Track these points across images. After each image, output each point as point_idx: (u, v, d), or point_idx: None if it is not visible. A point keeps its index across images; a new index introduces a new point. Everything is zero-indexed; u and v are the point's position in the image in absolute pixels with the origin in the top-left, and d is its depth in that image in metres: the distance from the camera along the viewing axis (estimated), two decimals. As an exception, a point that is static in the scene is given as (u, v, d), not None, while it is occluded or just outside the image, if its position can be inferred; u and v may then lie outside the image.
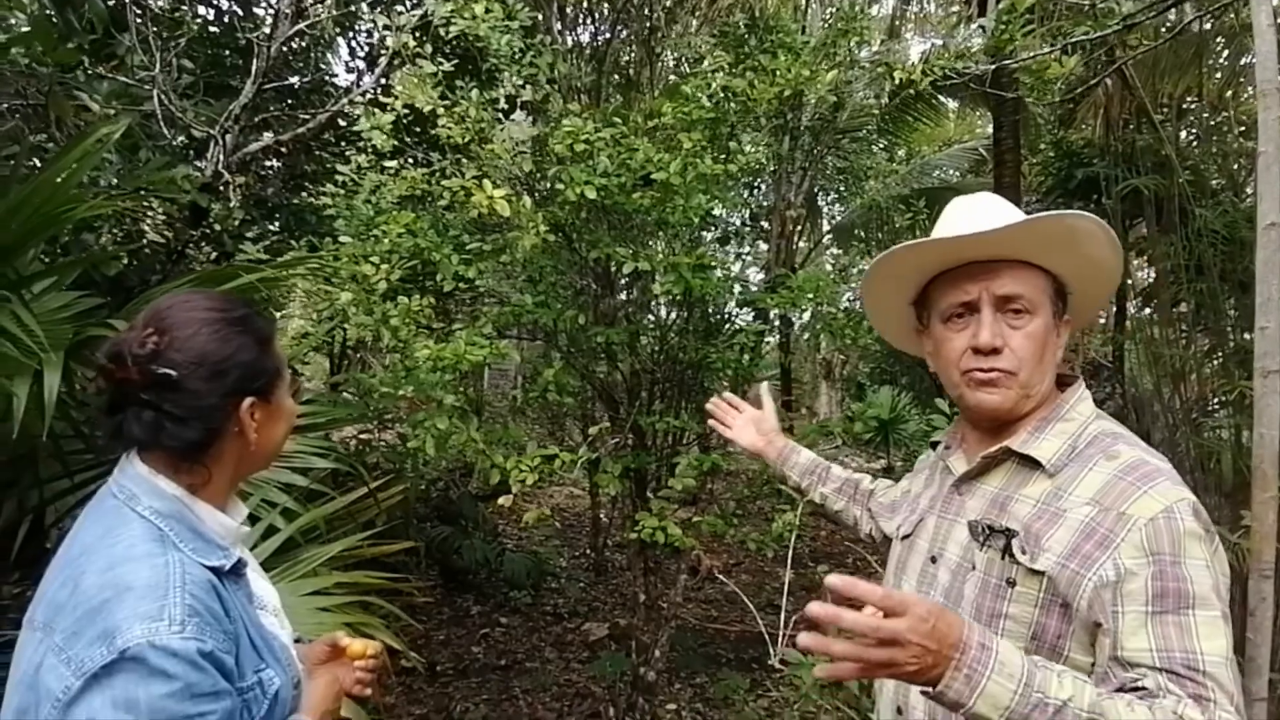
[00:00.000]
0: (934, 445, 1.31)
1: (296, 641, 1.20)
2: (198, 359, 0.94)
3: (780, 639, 2.26)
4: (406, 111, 2.73)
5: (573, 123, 2.49)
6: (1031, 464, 1.05)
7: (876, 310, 1.29)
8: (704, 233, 3.35)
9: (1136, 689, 0.90)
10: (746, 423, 1.64)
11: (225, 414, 0.96)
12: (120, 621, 0.82)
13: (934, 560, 1.13)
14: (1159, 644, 0.90)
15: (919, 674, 0.81)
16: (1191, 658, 0.88)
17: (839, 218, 8.80)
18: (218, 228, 3.36)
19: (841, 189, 8.55)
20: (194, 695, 0.84)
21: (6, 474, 2.08)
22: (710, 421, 1.67)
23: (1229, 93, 5.31)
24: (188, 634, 0.84)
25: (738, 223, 3.63)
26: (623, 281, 3.30)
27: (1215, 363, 3.75)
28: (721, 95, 2.67)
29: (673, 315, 3.40)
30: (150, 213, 3.44)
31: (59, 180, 2.01)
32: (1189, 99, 5.28)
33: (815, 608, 0.80)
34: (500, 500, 2.57)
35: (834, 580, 0.81)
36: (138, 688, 0.81)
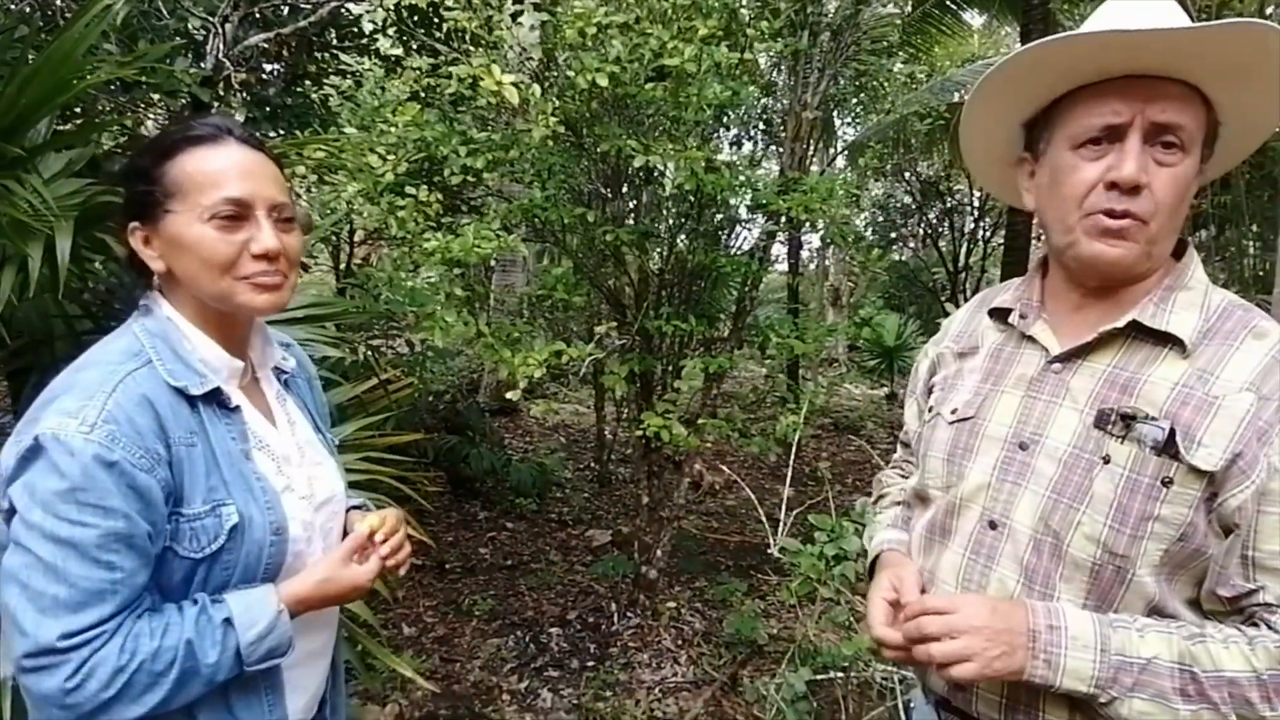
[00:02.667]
0: (994, 313, 1.09)
1: (355, 508, 1.20)
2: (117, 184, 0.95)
3: (781, 529, 2.31)
4: (409, 5, 2.65)
5: (584, 5, 2.39)
6: (1157, 339, 0.91)
7: (976, 129, 1.07)
8: (717, 133, 3.27)
9: (1253, 606, 0.85)
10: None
11: (125, 242, 0.96)
12: (50, 413, 0.85)
13: (1023, 447, 0.96)
14: None
15: (1008, 662, 0.84)
16: None
17: (853, 137, 8.58)
18: (219, 124, 3.30)
19: (859, 108, 8.32)
20: (79, 502, 0.82)
21: (26, 358, 2.11)
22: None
23: (1270, 8, 5.09)
24: (93, 437, 0.82)
25: (753, 116, 3.54)
26: (631, 184, 3.24)
27: (1233, 291, 3.71)
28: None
29: (682, 219, 3.35)
30: (151, 110, 3.37)
31: (69, 46, 1.98)
32: (1228, 12, 5.06)
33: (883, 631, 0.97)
34: (509, 395, 2.59)
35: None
36: (37, 477, 0.83)
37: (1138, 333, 0.92)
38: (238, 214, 0.93)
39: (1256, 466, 0.83)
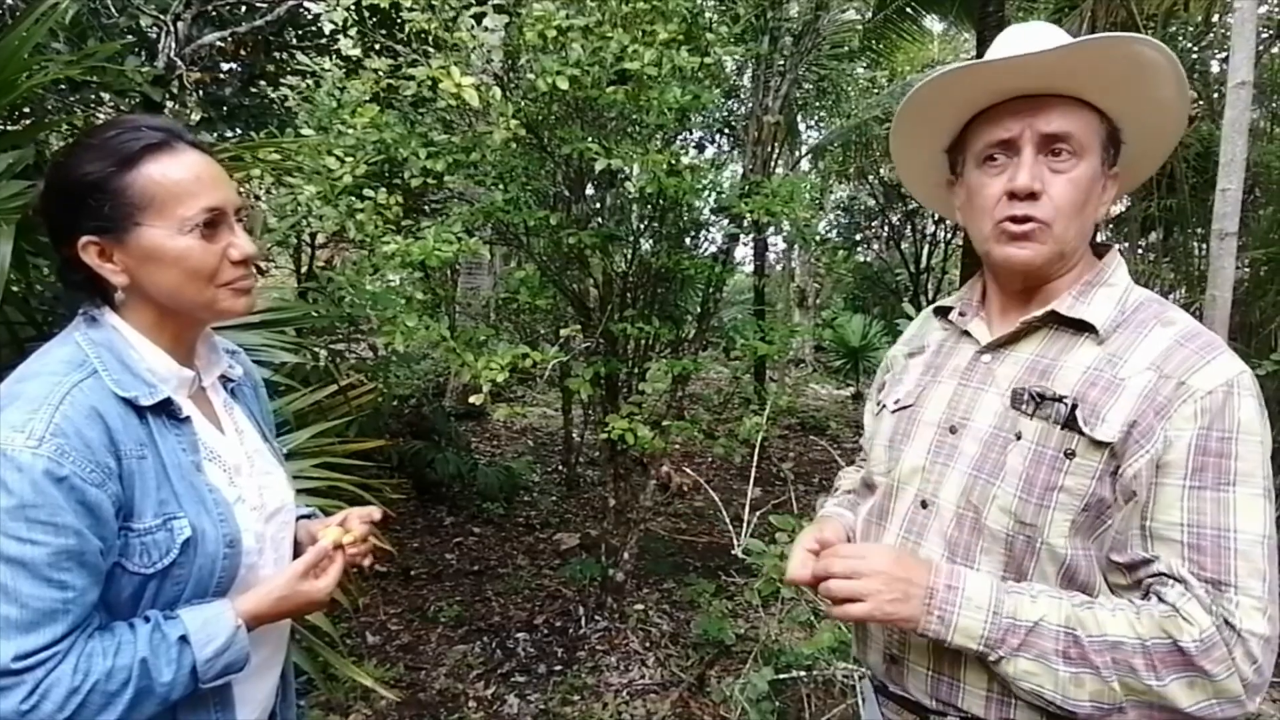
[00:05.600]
0: (939, 312, 1.19)
1: (304, 517, 1.18)
2: (43, 192, 0.90)
3: (745, 528, 2.33)
4: (370, 5, 2.61)
5: (544, 8, 2.39)
6: (1075, 329, 0.98)
7: (906, 159, 1.18)
8: (679, 136, 3.28)
9: (1147, 577, 0.89)
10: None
11: (65, 256, 0.92)
12: None
13: (953, 431, 1.02)
14: (1190, 518, 0.87)
15: (900, 608, 0.91)
16: (1224, 536, 0.85)
17: (816, 141, 8.68)
18: (172, 124, 3.22)
19: (821, 112, 8.43)
20: (29, 519, 0.79)
21: (-39, 363, 2.03)
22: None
23: (1215, 16, 5.26)
24: (41, 451, 0.80)
25: (716, 120, 3.56)
26: (595, 186, 3.24)
27: (1181, 292, 3.83)
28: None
29: (646, 221, 3.36)
30: (100, 109, 3.28)
31: (15, 44, 1.92)
32: (1174, 21, 5.22)
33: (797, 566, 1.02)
34: (474, 399, 2.57)
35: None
36: None
37: (1058, 323, 0.99)
38: (215, 221, 0.93)
39: (1152, 437, 0.88)
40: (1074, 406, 0.92)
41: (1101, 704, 0.87)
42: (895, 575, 0.92)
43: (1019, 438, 0.96)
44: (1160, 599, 0.87)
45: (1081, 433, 0.91)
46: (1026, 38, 0.98)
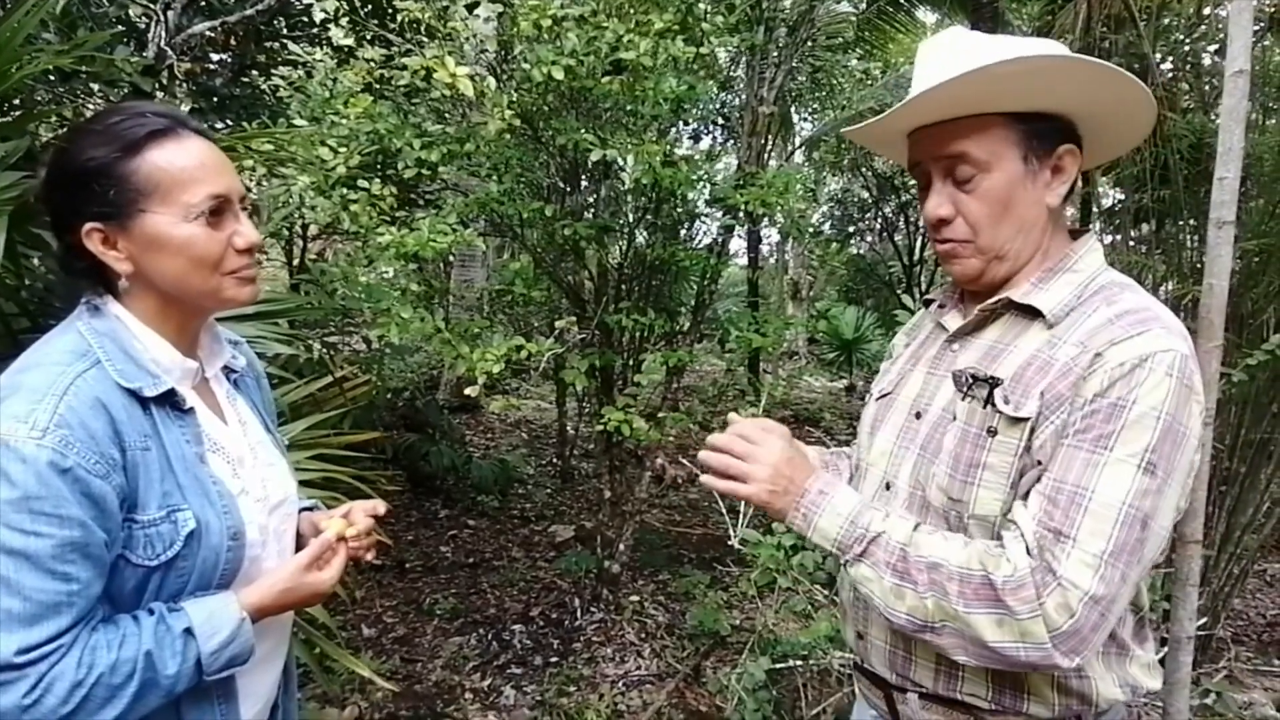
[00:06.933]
0: (928, 304, 1.23)
1: (306, 509, 1.18)
2: (45, 179, 0.89)
3: (741, 520, 2.34)
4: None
5: (539, -2, 2.37)
6: (1031, 314, 0.99)
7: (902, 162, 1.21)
8: (674, 127, 3.27)
9: (1008, 521, 0.92)
10: None
11: (68, 244, 0.91)
12: None
13: (918, 416, 1.06)
14: (1058, 472, 0.88)
15: (775, 499, 1.00)
16: (1080, 492, 0.86)
17: (810, 133, 8.67)
18: (162, 114, 3.20)
19: (815, 104, 8.42)
20: (33, 511, 0.78)
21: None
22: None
23: (1206, 9, 5.26)
24: (45, 442, 0.79)
25: (711, 111, 3.55)
26: (590, 178, 3.23)
27: (1172, 283, 3.83)
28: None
29: (641, 213, 3.35)
30: (90, 100, 3.25)
31: (7, 35, 1.90)
32: (1167, 13, 5.22)
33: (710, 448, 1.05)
34: (468, 391, 2.56)
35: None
36: None
37: (1016, 310, 1.02)
38: (220, 209, 0.92)
39: (1060, 407, 0.91)
40: (994, 385, 0.96)
41: (915, 619, 0.92)
42: (781, 470, 1.00)
43: (955, 419, 1.00)
44: (997, 539, 0.92)
45: (1001, 411, 0.94)
46: (926, 62, 1.01)
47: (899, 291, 10.30)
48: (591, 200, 3.23)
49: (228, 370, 1.09)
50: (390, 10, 2.56)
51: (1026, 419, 0.92)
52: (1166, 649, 1.27)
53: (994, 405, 0.95)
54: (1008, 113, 0.97)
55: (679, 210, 3.34)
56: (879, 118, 1.04)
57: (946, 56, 0.98)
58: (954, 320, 1.10)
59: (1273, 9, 3.85)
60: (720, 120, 3.91)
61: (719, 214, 3.37)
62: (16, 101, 2.82)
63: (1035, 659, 0.86)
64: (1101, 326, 0.92)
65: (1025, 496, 0.92)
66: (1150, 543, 0.87)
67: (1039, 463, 0.91)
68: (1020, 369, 0.96)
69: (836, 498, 0.99)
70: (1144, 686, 1.00)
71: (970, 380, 0.99)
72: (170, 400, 0.93)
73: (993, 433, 0.94)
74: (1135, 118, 1.01)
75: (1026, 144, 0.97)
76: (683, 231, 3.61)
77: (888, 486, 1.07)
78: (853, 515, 0.97)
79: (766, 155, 3.63)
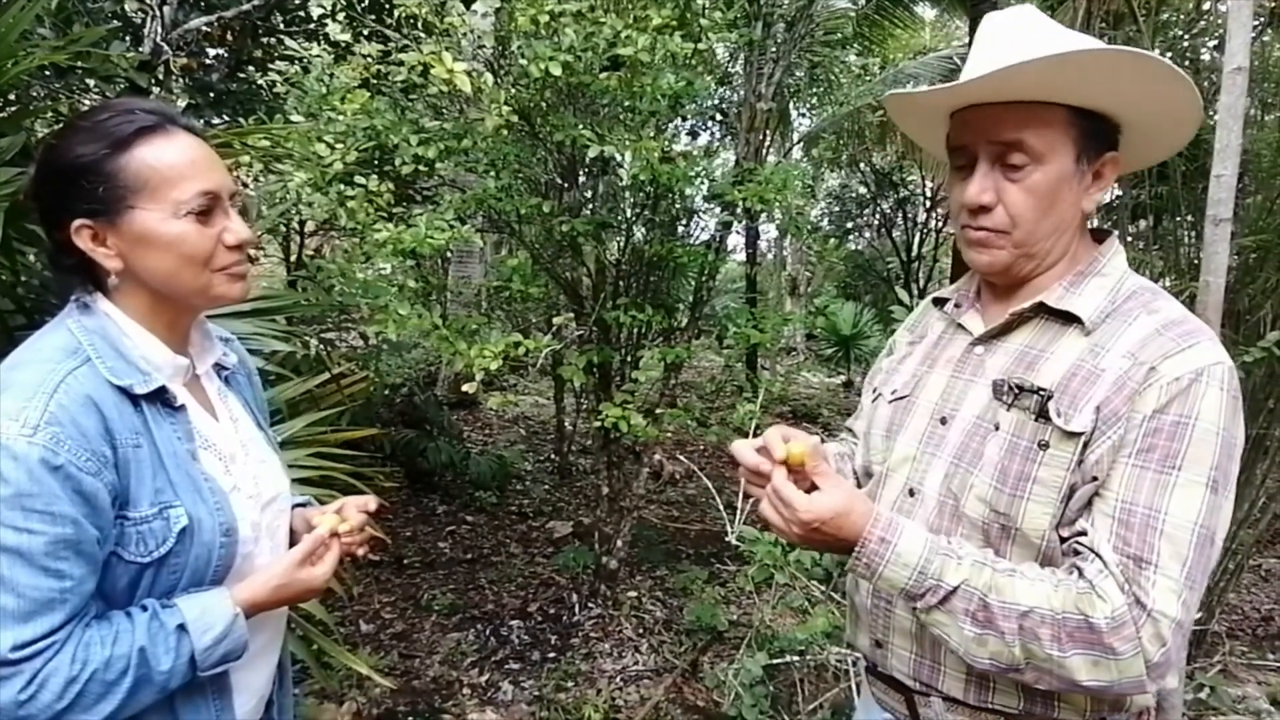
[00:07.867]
0: (937, 302, 1.19)
1: (300, 505, 1.18)
2: (35, 175, 0.88)
3: (740, 514, 2.34)
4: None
5: (537, -7, 2.37)
6: (1064, 320, 0.97)
7: (916, 136, 1.17)
8: (672, 123, 3.27)
9: (1079, 546, 0.89)
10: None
11: (57, 241, 0.91)
12: None
13: (944, 422, 1.03)
14: (1127, 494, 0.87)
15: (823, 549, 0.99)
16: (1153, 516, 0.85)
17: (809, 129, 8.66)
18: (159, 110, 3.19)
19: (814, 100, 8.40)
20: (25, 508, 0.79)
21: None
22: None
23: (1206, 4, 5.26)
24: (36, 440, 0.79)
25: (709, 107, 3.55)
26: (588, 174, 3.23)
27: (1169, 279, 3.84)
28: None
29: (638, 209, 3.35)
30: (86, 95, 3.24)
31: (3, 31, 1.89)
32: (1166, 8, 5.21)
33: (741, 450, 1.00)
34: (466, 387, 2.56)
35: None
36: None
37: (1048, 315, 0.99)
38: (210, 206, 0.92)
39: (1116, 422, 0.89)
40: (1048, 398, 0.92)
41: (999, 663, 0.89)
42: (823, 534, 0.93)
43: (997, 428, 0.96)
44: (1080, 574, 0.88)
45: (1054, 424, 0.91)
46: (996, 39, 0.96)
47: (897, 287, 10.32)
48: (589, 196, 3.23)
49: (219, 367, 1.09)
50: (387, 6, 2.56)
51: (1080, 433, 0.90)
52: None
53: (1046, 418, 0.92)
54: (1071, 107, 0.94)
55: (677, 206, 3.34)
56: (945, 86, 0.97)
57: (1020, 37, 0.93)
58: (974, 321, 1.07)
59: (1273, 4, 3.84)
60: (718, 116, 3.91)
61: (717, 210, 3.37)
62: (12, 97, 2.81)
63: (1129, 690, 0.86)
64: (1150, 338, 0.91)
65: (1078, 513, 0.91)
66: (1215, 557, 0.88)
67: (1094, 478, 0.90)
68: (1065, 379, 0.93)
69: (901, 544, 0.91)
70: (1168, 687, 0.98)
71: (1015, 390, 0.96)
72: (161, 397, 0.93)
73: (1044, 446, 0.92)
74: (1180, 130, 0.99)
75: (1082, 143, 0.95)
76: (681, 227, 3.61)
77: (911, 494, 1.04)
78: (920, 565, 0.91)
79: (765, 151, 3.63)
